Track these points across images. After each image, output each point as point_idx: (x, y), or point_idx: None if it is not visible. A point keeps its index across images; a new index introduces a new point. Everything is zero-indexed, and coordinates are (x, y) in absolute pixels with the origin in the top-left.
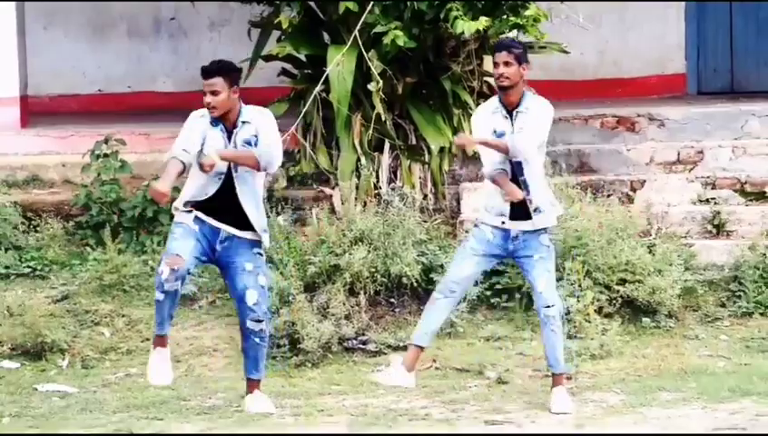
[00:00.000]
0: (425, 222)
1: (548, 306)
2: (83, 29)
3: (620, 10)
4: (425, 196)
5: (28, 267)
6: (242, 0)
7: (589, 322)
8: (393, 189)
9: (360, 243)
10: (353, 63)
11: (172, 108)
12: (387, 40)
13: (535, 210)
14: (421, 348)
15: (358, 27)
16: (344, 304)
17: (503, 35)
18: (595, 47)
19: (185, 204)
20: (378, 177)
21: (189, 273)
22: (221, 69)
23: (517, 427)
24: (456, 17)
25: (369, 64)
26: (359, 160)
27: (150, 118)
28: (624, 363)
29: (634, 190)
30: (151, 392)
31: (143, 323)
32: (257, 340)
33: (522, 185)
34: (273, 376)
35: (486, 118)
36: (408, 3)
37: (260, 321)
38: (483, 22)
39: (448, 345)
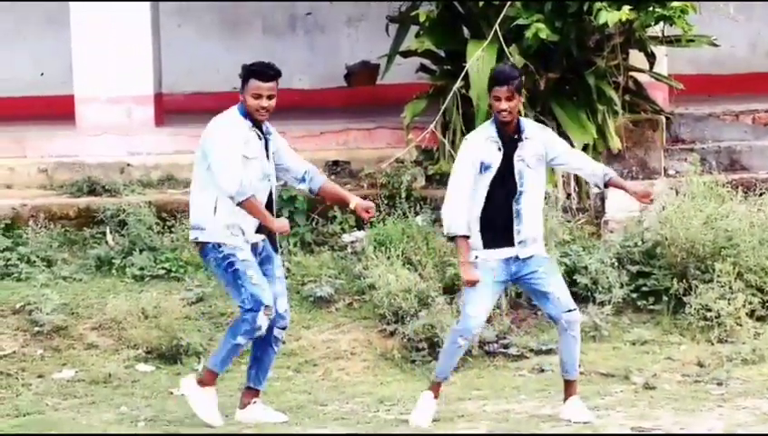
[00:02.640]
0: (568, 222)
1: (570, 310)
2: (216, 26)
3: None
4: (568, 195)
5: (163, 268)
6: None
7: (741, 325)
8: None
9: None
10: (494, 58)
11: (309, 106)
12: (529, 34)
13: (520, 242)
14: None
15: (498, 21)
16: None
17: (649, 28)
18: (747, 40)
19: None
20: None
21: None
22: (279, 73)
23: (666, 434)
24: (599, 8)
25: (510, 58)
26: None
27: (285, 116)
28: None
29: None
30: (287, 397)
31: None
32: (276, 348)
33: (515, 215)
34: (412, 381)
35: (475, 149)
36: None
37: (286, 328)
38: (626, 12)
39: (593, 349)
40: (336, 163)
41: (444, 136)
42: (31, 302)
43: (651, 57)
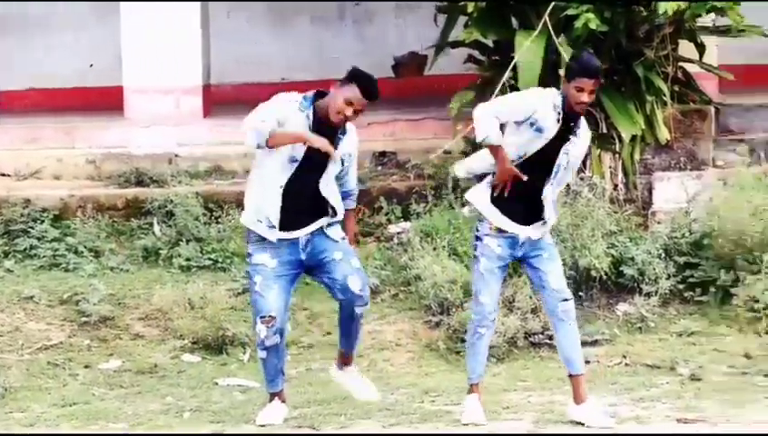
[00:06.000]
0: (615, 212)
1: (565, 300)
2: (265, 16)
3: None
4: (615, 186)
5: (209, 259)
6: None
7: None
8: (582, 179)
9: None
10: (542, 48)
11: None
12: (578, 24)
13: (542, 222)
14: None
15: (547, 11)
16: (530, 298)
17: (699, 18)
18: None
19: (257, 225)
20: None
21: (287, 317)
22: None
23: (712, 426)
24: None
25: (559, 49)
26: None
27: None
28: None
29: None
30: (332, 387)
31: (325, 317)
32: (360, 322)
33: (543, 197)
34: (457, 372)
35: (540, 101)
36: None
37: (366, 304)
38: (683, 1)
39: (639, 341)
40: (383, 153)
41: None
42: (78, 293)
43: (700, 48)
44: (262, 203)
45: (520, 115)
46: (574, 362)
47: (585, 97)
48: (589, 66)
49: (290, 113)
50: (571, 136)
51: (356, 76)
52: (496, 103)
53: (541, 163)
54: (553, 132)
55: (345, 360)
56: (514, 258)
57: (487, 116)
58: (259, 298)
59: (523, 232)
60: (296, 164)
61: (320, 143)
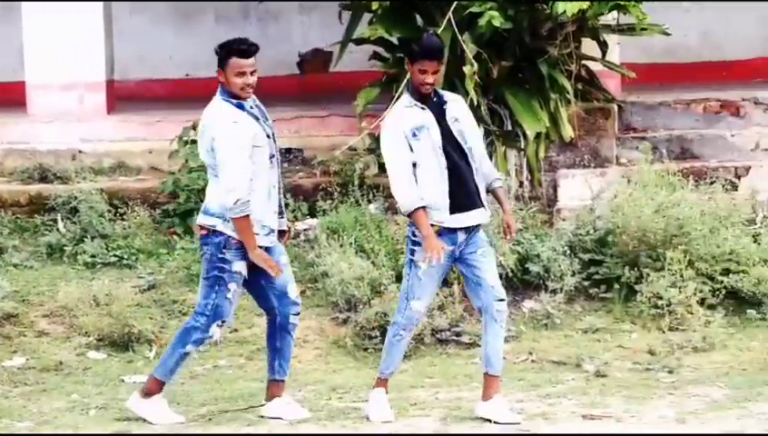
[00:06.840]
0: (520, 210)
1: (501, 300)
2: (169, 13)
3: None
4: (520, 184)
5: (115, 256)
6: None
7: (691, 313)
8: None
9: None
10: (446, 45)
11: (261, 93)
12: (482, 21)
13: (482, 205)
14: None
15: (451, 9)
16: (437, 295)
17: (601, 17)
18: (698, 29)
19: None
20: None
21: None
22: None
23: (617, 422)
24: None
25: (464, 46)
26: None
27: None
28: (728, 357)
29: (738, 177)
30: (240, 384)
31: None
32: (294, 335)
33: (475, 173)
34: (365, 369)
35: (398, 121)
36: None
37: (299, 313)
38: (585, 3)
39: (545, 337)
40: (289, 150)
41: None
42: None
43: (603, 46)
44: (257, 210)
45: (406, 144)
46: (494, 364)
47: (429, 79)
48: (430, 48)
49: (249, 127)
50: (444, 107)
51: (224, 48)
52: (392, 169)
53: (452, 145)
54: (431, 119)
55: (278, 389)
56: (453, 259)
57: (397, 184)
58: (227, 304)
59: (478, 217)
60: (274, 160)
61: (266, 263)
